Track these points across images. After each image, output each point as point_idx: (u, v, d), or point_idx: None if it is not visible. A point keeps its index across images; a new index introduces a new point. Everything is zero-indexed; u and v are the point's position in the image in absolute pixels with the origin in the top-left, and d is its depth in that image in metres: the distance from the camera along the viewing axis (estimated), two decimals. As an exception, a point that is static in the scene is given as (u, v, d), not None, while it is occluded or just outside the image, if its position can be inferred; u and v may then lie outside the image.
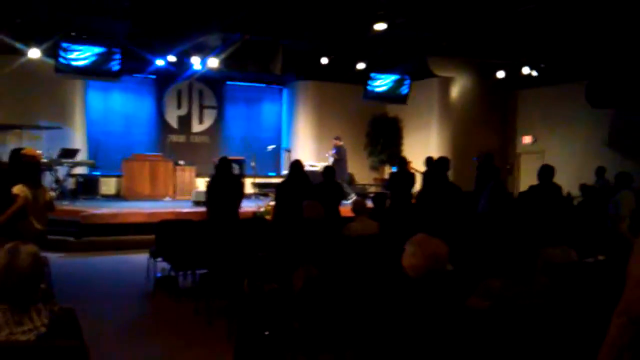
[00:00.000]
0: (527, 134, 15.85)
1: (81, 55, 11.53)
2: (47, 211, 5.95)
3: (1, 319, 2.72)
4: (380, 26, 10.94)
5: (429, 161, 10.27)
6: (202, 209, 10.03)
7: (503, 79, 14.77)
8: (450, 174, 7.83)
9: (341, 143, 13.15)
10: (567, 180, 10.45)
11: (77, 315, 2.88)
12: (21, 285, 2.78)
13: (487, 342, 2.82)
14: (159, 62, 12.97)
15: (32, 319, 2.76)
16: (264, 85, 17.30)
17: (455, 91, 15.68)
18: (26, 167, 5.80)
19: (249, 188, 12.81)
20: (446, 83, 15.61)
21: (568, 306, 3.23)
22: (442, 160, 7.84)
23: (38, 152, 6.65)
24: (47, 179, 11.68)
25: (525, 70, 14.16)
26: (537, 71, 14.16)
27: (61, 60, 11.45)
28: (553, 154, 14.54)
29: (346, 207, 7.97)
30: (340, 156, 12.87)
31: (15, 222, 5.41)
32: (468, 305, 3.23)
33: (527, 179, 14.13)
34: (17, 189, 5.54)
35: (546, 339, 2.91)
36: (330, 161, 12.79)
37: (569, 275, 4.13)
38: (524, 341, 2.89)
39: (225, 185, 7.92)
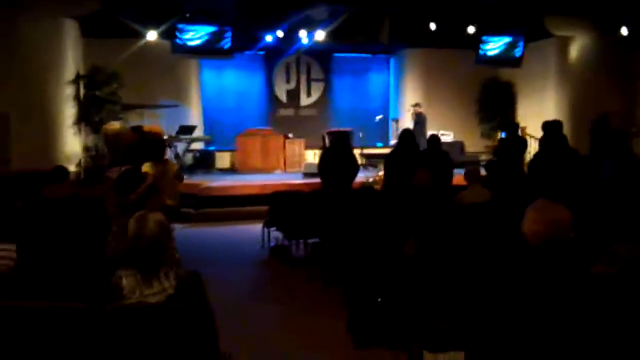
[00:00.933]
0: (655, 95, 14.62)
1: (196, 35, 12.01)
2: (177, 185, 6.15)
3: (133, 282, 2.93)
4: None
5: (547, 126, 9.76)
6: (313, 180, 10.19)
7: (627, 36, 13.67)
8: (570, 139, 7.41)
9: (421, 110, 13.20)
10: None
11: (202, 281, 3.05)
12: (150, 252, 2.97)
13: (615, 310, 2.66)
14: (268, 38, 13.23)
15: (161, 282, 2.95)
16: (370, 55, 17.12)
17: (574, 52, 14.71)
18: (152, 144, 5.98)
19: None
20: (564, 43, 14.66)
21: None
22: (555, 123, 7.44)
23: (157, 128, 6.96)
24: (168, 155, 12.35)
25: (652, 25, 13.02)
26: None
27: (177, 41, 12.00)
28: (686, 114, 13.34)
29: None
30: (419, 122, 12.89)
31: (146, 200, 5.59)
32: (594, 273, 3.06)
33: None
34: (146, 167, 5.69)
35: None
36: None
37: None
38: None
39: (339, 158, 7.98)
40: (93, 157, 12.09)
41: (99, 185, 8.08)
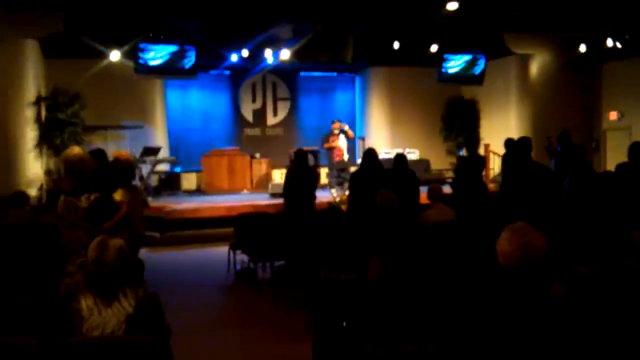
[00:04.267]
0: (612, 110, 15.00)
1: (157, 54, 11.90)
2: (143, 211, 6.00)
3: (91, 303, 2.96)
4: (452, 5, 10.64)
5: (509, 143, 9.89)
6: (279, 200, 10.14)
7: (585, 52, 14.02)
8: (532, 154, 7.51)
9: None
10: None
11: (160, 301, 3.06)
12: (109, 277, 3.00)
13: (567, 331, 2.67)
14: (233, 57, 13.19)
15: (120, 302, 2.98)
16: (335, 74, 17.26)
17: (534, 68, 15.04)
18: (123, 171, 5.80)
19: (324, 178, 12.83)
20: (525, 60, 14.99)
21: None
22: (524, 140, 7.53)
23: (127, 152, 6.79)
24: (133, 177, 12.18)
25: (609, 42, 13.37)
26: (621, 43, 13.33)
27: (140, 61, 11.87)
28: (642, 129, 13.70)
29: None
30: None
31: (119, 231, 5.36)
32: (553, 294, 3.08)
33: (613, 156, 13.39)
34: (120, 194, 5.47)
35: (633, 330, 2.72)
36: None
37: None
38: (606, 328, 2.71)
39: (301, 177, 7.96)
40: (55, 181, 11.83)
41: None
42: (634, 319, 2.77)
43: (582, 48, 13.94)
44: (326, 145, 12.23)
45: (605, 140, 15.16)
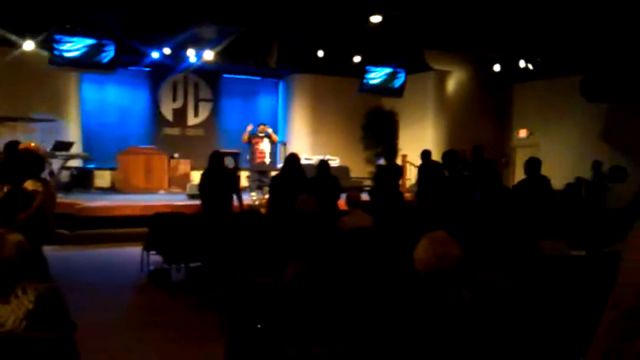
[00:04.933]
0: (522, 128, 15.83)
1: (73, 46, 11.45)
2: (54, 206, 5.75)
3: None
4: (376, 19, 10.89)
5: (425, 154, 10.23)
6: (197, 202, 9.99)
7: (499, 72, 14.75)
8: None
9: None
10: (563, 174, 10.44)
11: (62, 296, 2.92)
12: (6, 273, 2.83)
13: (474, 336, 2.80)
14: (154, 55, 12.90)
15: (19, 298, 2.82)
16: (259, 78, 17.24)
17: (451, 84, 15.65)
18: (31, 161, 5.49)
19: (244, 181, 12.76)
20: (442, 76, 15.58)
21: (559, 298, 3.22)
22: (451, 153, 7.88)
23: (36, 144, 6.49)
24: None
25: (522, 63, 14.13)
26: (533, 65, 14.13)
27: (55, 52, 11.38)
28: (548, 147, 14.52)
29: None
30: None
31: (35, 223, 5.01)
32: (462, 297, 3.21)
33: (522, 172, 14.08)
34: (32, 185, 5.12)
35: (536, 332, 2.89)
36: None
37: (560, 268, 4.12)
38: (512, 334, 2.87)
39: (217, 178, 7.88)
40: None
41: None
42: (537, 322, 2.94)
43: (497, 67, 14.67)
44: (245, 141, 12.07)
45: (515, 156, 15.97)
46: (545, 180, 7.04)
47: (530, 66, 14.14)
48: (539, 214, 6.31)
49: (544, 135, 15.14)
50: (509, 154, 16.10)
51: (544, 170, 7.23)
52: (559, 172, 10.33)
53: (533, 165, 7.01)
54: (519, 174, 14.88)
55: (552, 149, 14.19)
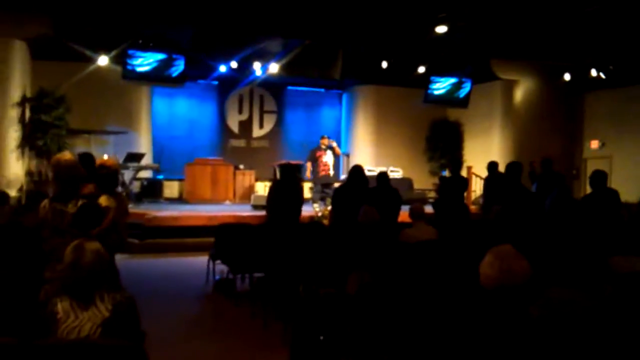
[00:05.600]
0: (594, 139, 15.26)
1: (145, 61, 11.92)
2: (126, 218, 5.93)
3: (67, 306, 2.92)
4: (441, 29, 10.80)
5: (492, 166, 10.02)
6: (261, 212, 10.12)
7: (569, 81, 14.29)
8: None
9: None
10: (637, 187, 9.99)
11: (137, 307, 3.03)
12: (85, 281, 2.96)
13: (541, 355, 2.70)
14: (222, 69, 13.25)
15: (97, 305, 2.94)
16: (323, 90, 17.37)
17: (519, 94, 15.28)
18: (107, 177, 5.71)
19: (307, 193, 12.86)
20: (510, 86, 15.24)
21: (634, 318, 3.07)
22: (515, 165, 7.67)
23: (113, 157, 6.68)
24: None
25: (593, 72, 13.65)
26: (605, 73, 13.61)
27: (127, 67, 11.87)
28: (621, 159, 13.95)
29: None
30: None
31: (110, 234, 5.21)
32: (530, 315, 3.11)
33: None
34: (106, 201, 5.35)
35: (608, 353, 2.77)
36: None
37: (635, 286, 3.93)
38: (581, 354, 2.76)
39: (288, 190, 7.96)
40: (35, 183, 11.72)
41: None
42: (610, 342, 2.81)
43: (567, 77, 14.22)
44: (310, 163, 12.07)
45: (586, 169, 15.41)
46: (614, 193, 6.73)
47: (602, 75, 13.64)
48: (610, 228, 6.04)
49: (617, 147, 14.54)
50: (580, 166, 15.54)
51: (617, 183, 6.95)
52: (633, 185, 9.90)
53: (598, 178, 6.70)
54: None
55: (626, 161, 13.62)
